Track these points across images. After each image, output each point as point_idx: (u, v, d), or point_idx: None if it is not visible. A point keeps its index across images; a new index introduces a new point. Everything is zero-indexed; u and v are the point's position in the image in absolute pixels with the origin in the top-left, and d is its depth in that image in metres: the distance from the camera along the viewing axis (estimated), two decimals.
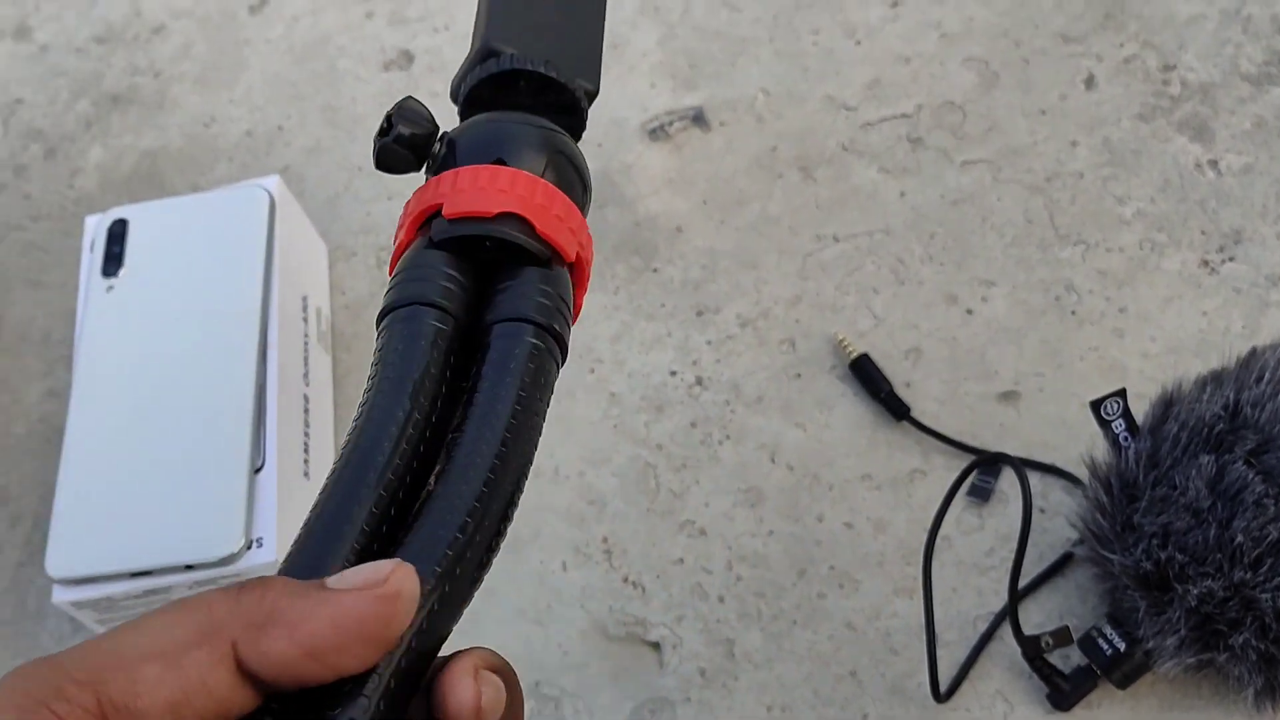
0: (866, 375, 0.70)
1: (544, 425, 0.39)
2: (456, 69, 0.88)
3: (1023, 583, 0.63)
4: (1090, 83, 0.79)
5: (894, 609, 0.65)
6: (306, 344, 0.72)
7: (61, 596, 0.63)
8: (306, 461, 0.68)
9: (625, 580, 0.67)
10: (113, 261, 0.71)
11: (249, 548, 0.63)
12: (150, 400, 0.67)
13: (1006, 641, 0.62)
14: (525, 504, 0.69)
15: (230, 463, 0.64)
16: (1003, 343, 0.71)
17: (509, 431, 0.37)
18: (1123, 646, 0.59)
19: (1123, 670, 0.59)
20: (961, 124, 0.78)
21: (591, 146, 0.81)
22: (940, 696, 0.61)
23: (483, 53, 0.45)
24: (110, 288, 0.70)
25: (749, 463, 0.70)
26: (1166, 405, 0.60)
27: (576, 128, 0.46)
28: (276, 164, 0.85)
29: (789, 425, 0.70)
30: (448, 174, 0.41)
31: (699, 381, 0.72)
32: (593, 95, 0.47)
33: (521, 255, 0.40)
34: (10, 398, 0.79)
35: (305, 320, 0.73)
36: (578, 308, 0.43)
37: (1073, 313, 0.71)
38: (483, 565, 0.36)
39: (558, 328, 0.39)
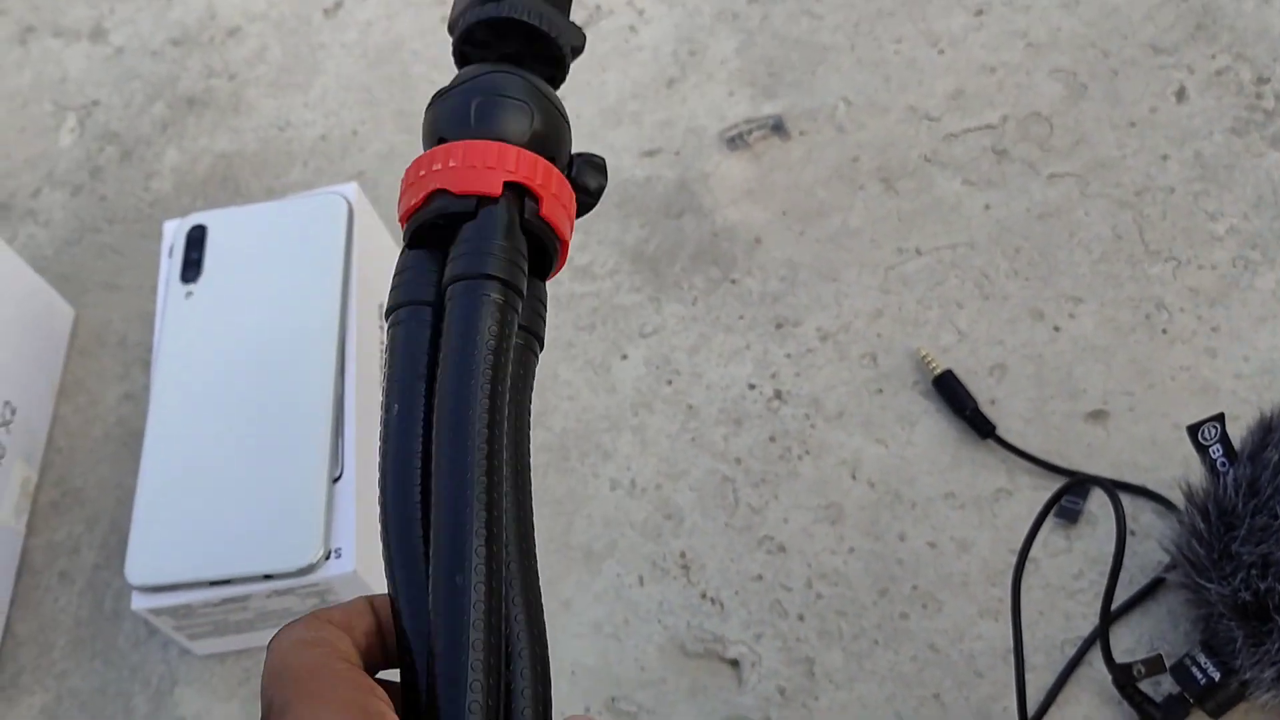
0: (950, 392, 0.69)
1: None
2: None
3: (1112, 607, 0.62)
4: (1181, 95, 0.77)
5: (978, 631, 0.64)
6: (384, 352, 0.71)
7: (140, 604, 0.63)
8: None
9: (703, 596, 0.67)
10: (191, 268, 0.71)
11: (328, 558, 0.62)
12: (229, 409, 0.66)
13: (1095, 666, 0.61)
14: (601, 516, 0.69)
15: (309, 472, 0.64)
16: (1090, 361, 0.70)
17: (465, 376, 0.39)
18: (1217, 676, 0.57)
19: (1217, 700, 0.58)
20: (1048, 136, 0.77)
21: (669, 155, 0.81)
22: None
23: None
24: (189, 294, 0.70)
25: (829, 479, 0.69)
26: (1266, 431, 0.58)
27: (559, 78, 0.47)
28: (351, 169, 0.85)
29: (870, 441, 0.69)
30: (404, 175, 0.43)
31: (778, 395, 0.72)
32: (579, 50, 0.47)
33: (457, 218, 0.42)
34: (87, 400, 0.79)
35: (382, 328, 0.72)
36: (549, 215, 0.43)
37: (1163, 331, 0.70)
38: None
39: (495, 271, 0.40)
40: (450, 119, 0.43)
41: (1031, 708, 0.61)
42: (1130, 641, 0.62)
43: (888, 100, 0.81)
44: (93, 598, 0.72)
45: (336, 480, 0.64)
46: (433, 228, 0.42)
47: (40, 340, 0.78)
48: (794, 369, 0.72)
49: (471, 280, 0.40)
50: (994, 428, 0.68)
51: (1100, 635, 0.57)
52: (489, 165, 0.42)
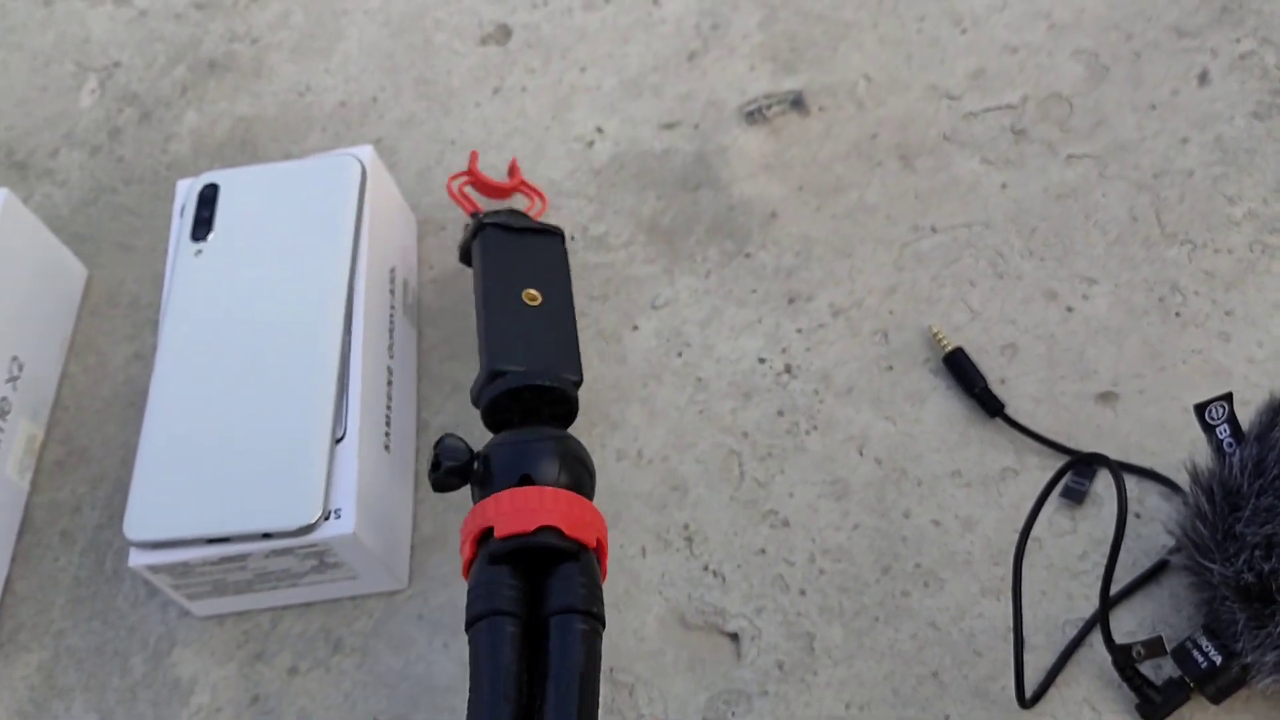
0: (960, 370, 0.68)
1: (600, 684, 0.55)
2: (555, 46, 0.87)
3: (1115, 589, 0.61)
4: (1204, 78, 0.76)
5: (980, 610, 0.63)
6: (392, 316, 0.71)
7: (138, 560, 0.63)
8: (388, 434, 0.68)
9: (705, 569, 0.66)
10: (202, 226, 0.71)
11: (327, 518, 0.62)
12: (234, 366, 0.66)
13: (1096, 648, 0.61)
14: (606, 487, 0.69)
15: (311, 432, 0.64)
16: (1102, 342, 0.69)
17: (581, 702, 0.52)
18: (1218, 660, 0.57)
19: (1217, 684, 0.57)
20: (1068, 117, 0.76)
21: (687, 128, 0.80)
22: (1025, 702, 0.59)
23: (491, 374, 0.62)
24: (199, 252, 0.70)
25: (836, 454, 0.68)
26: (1274, 412, 0.57)
27: (572, 413, 0.64)
28: (370, 135, 0.85)
29: (878, 418, 0.69)
30: (491, 500, 0.57)
31: (788, 370, 0.71)
32: (578, 383, 0.64)
33: (558, 554, 0.55)
34: (96, 360, 0.79)
35: (392, 292, 0.72)
36: (603, 572, 0.58)
37: (1177, 314, 0.69)
38: None
39: (596, 610, 0.54)
40: (542, 467, 0.58)
41: (1031, 688, 0.60)
42: (1133, 624, 0.62)
43: (908, 78, 0.80)
44: (94, 557, 0.72)
45: (339, 441, 0.64)
46: (525, 552, 0.55)
47: (52, 299, 0.79)
48: (805, 344, 0.72)
49: (577, 615, 0.53)
50: (1003, 406, 0.67)
51: (1100, 616, 0.57)
52: (588, 522, 0.57)
